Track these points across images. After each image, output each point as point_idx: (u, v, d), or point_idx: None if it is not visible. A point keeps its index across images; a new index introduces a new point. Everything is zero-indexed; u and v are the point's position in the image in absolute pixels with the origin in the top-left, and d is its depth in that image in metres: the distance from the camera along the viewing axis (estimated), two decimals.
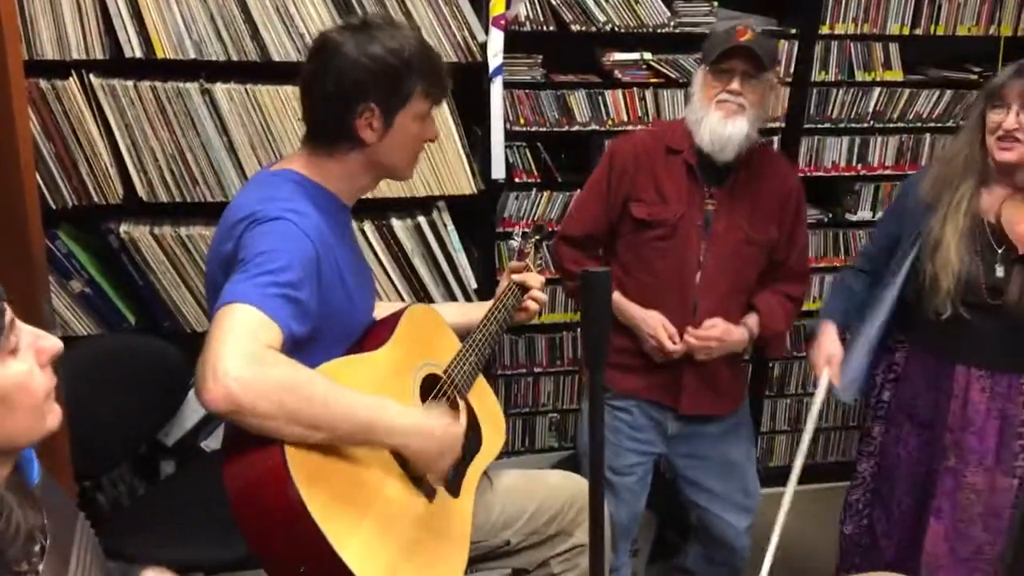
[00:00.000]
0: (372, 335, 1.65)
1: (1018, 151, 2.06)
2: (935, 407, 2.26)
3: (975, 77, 3.17)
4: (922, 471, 2.32)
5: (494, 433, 1.80)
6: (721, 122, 2.18)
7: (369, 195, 2.58)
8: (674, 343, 2.28)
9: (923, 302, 2.20)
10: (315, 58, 1.61)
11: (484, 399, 1.83)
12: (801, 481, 3.32)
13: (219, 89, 2.40)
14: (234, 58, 2.41)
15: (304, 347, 1.44)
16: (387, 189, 2.62)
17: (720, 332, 2.28)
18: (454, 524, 1.62)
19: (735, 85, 2.17)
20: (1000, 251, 2.13)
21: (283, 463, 1.31)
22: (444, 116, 2.60)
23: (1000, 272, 2.12)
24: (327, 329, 1.53)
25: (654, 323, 2.30)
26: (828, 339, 2.34)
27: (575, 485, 1.91)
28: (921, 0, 3.05)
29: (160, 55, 2.37)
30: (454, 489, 1.65)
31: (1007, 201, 2.13)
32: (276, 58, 2.43)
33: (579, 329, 2.90)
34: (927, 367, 2.27)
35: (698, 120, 2.22)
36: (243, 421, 1.30)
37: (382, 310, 1.82)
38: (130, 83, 2.36)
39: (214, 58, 2.39)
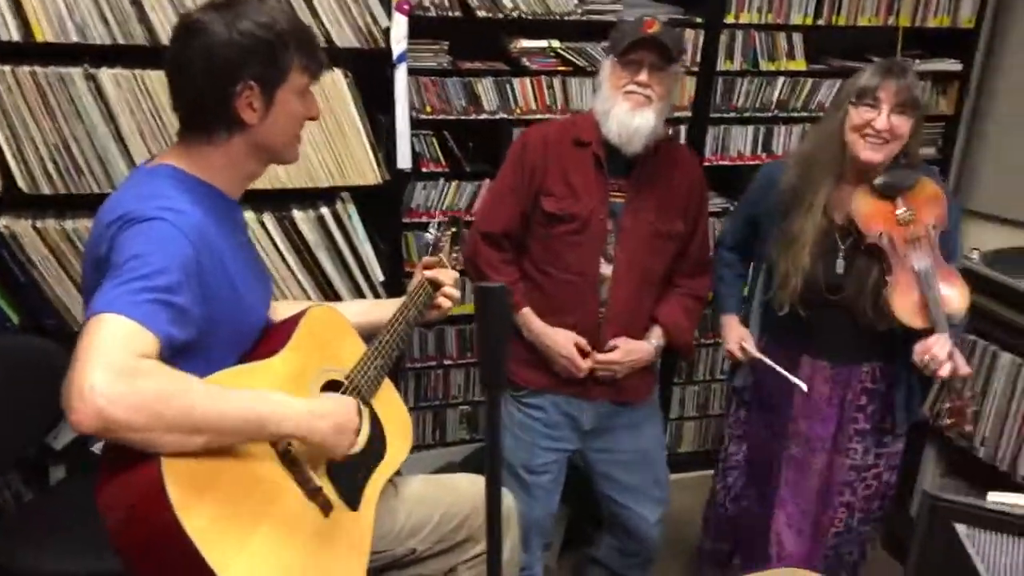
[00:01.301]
0: (267, 341, 1.57)
1: (884, 152, 2.09)
2: (781, 394, 2.32)
3: None
4: (765, 457, 2.41)
5: (400, 440, 1.73)
6: (629, 113, 2.16)
7: (268, 186, 2.53)
8: (585, 356, 2.31)
9: (775, 297, 2.25)
10: (180, 41, 1.52)
11: (390, 405, 1.76)
12: (689, 468, 3.47)
13: (105, 74, 2.27)
14: (120, 41, 2.27)
15: (191, 354, 1.36)
16: (287, 179, 2.53)
17: (621, 355, 2.31)
18: (353, 537, 1.55)
19: (643, 77, 2.15)
20: (843, 247, 2.17)
21: (160, 485, 1.24)
22: (346, 104, 2.52)
23: (840, 268, 2.18)
24: (215, 335, 1.44)
25: (564, 343, 2.30)
26: (734, 326, 2.39)
27: (482, 489, 1.85)
28: None
29: (39, 38, 2.22)
30: (353, 501, 1.58)
31: (858, 190, 2.15)
32: (165, 41, 2.29)
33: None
34: (777, 356, 2.31)
35: (606, 111, 2.20)
36: (120, 437, 1.22)
37: (285, 309, 1.74)
38: (7, 68, 2.20)
39: (98, 42, 2.25)
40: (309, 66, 1.58)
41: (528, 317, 2.35)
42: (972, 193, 3.51)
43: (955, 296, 2.09)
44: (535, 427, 2.41)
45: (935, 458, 3.05)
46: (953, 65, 3.34)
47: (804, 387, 2.23)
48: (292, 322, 1.60)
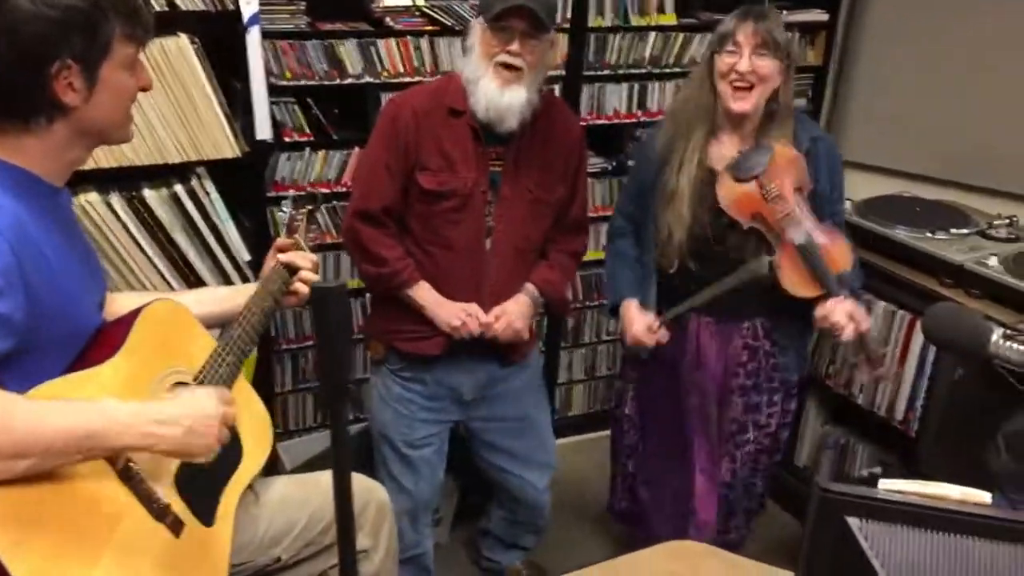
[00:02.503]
0: (99, 345, 1.40)
1: (752, 98, 2.09)
2: (677, 349, 2.34)
3: None
4: (672, 409, 2.44)
5: (257, 443, 1.58)
6: (498, 92, 2.06)
7: (115, 163, 2.33)
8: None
9: (660, 253, 2.26)
10: None
11: (245, 404, 1.60)
12: (581, 431, 3.44)
13: None
14: None
15: (12, 365, 1.20)
16: (135, 156, 2.34)
17: (504, 323, 2.24)
18: (209, 557, 1.42)
19: (514, 46, 2.05)
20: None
21: None
22: (195, 72, 2.34)
23: (726, 220, 2.18)
24: (37, 342, 1.28)
25: (456, 313, 2.22)
26: (637, 314, 2.31)
27: (352, 486, 1.75)
28: None
29: None
30: (207, 516, 1.45)
31: (722, 177, 2.15)
32: None
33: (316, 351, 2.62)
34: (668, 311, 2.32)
35: (475, 80, 2.10)
36: None
37: (126, 303, 1.57)
38: None
39: None
40: (134, 33, 1.41)
41: (425, 291, 2.24)
42: (842, 143, 3.54)
43: (837, 256, 2.12)
44: (415, 400, 2.34)
45: (816, 407, 3.10)
46: (820, 15, 3.35)
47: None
48: (126, 322, 1.43)
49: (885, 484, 0.88)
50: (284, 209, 1.93)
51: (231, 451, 1.48)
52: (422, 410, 2.35)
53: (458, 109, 2.16)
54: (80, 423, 1.20)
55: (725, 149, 2.19)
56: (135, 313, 1.44)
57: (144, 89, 1.48)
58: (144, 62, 1.49)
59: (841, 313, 2.06)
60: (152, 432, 1.27)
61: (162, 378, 1.43)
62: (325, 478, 1.79)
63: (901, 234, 2.74)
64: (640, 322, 2.28)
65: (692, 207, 2.17)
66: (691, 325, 2.32)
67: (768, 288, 2.15)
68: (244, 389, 1.59)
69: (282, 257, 1.74)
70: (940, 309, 1.52)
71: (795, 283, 2.10)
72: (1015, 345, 1.47)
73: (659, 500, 2.56)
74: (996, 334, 1.48)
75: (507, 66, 2.06)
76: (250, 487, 1.60)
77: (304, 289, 1.76)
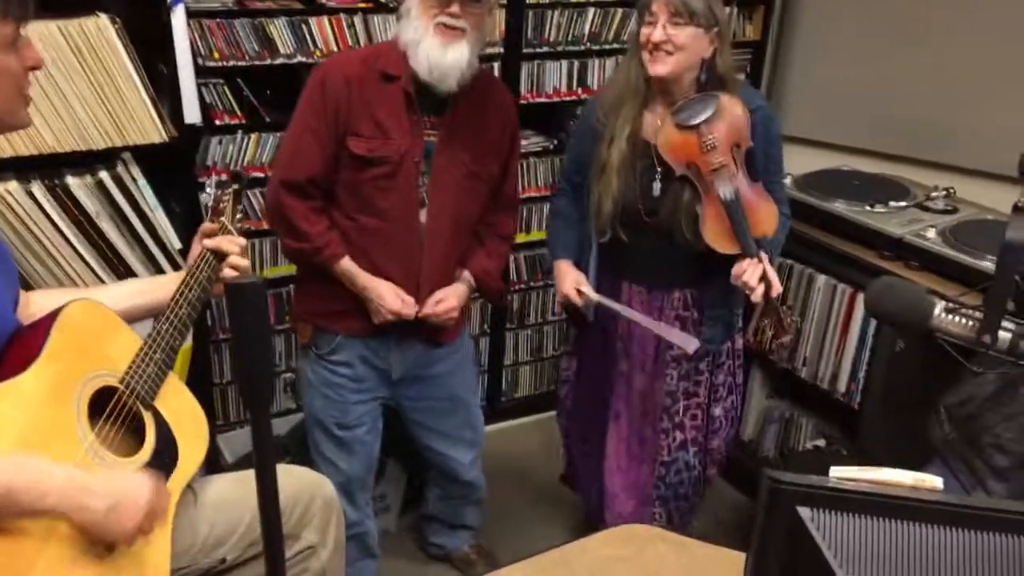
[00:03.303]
0: (15, 352, 1.32)
1: (669, 64, 2.08)
2: (609, 317, 2.36)
3: None
4: (601, 374, 2.47)
5: (193, 441, 1.51)
6: (440, 49, 2.01)
7: (35, 151, 2.22)
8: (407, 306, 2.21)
9: (594, 223, 2.28)
10: None
11: (178, 402, 1.52)
12: (528, 412, 3.48)
13: None
14: None
15: None
16: (55, 143, 2.24)
17: (445, 308, 2.24)
18: (146, 566, 1.35)
19: (455, 8, 2.00)
20: (660, 170, 2.18)
21: None
22: (117, 54, 2.24)
23: (656, 192, 2.20)
24: None
25: (389, 296, 2.18)
26: (568, 270, 2.35)
27: (297, 481, 1.69)
28: None
29: None
30: None
31: (665, 123, 2.16)
32: None
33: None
34: (604, 282, 2.35)
35: (415, 42, 2.03)
36: None
37: (48, 301, 1.49)
38: None
39: None
40: (8, 8, 1.31)
41: (350, 268, 2.19)
42: (782, 118, 3.56)
43: (762, 219, 2.15)
44: (343, 383, 2.31)
45: (760, 380, 3.12)
46: None
47: (691, 342, 2.22)
48: (43, 326, 1.34)
49: (836, 472, 0.86)
50: (208, 190, 1.84)
51: (166, 453, 1.42)
52: (352, 392, 2.32)
53: (392, 74, 2.10)
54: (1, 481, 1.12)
55: (657, 119, 2.19)
56: (52, 316, 1.35)
57: (34, 68, 1.39)
58: (31, 39, 1.38)
59: (754, 274, 2.07)
60: (77, 500, 1.21)
61: (86, 383, 1.35)
62: None
63: (840, 207, 2.75)
64: (569, 280, 2.30)
65: (623, 178, 2.19)
66: (623, 294, 2.33)
67: (697, 255, 2.19)
68: (175, 385, 1.51)
69: (208, 243, 1.65)
70: (881, 284, 1.51)
71: (715, 236, 2.12)
72: (957, 319, 1.47)
73: (587, 468, 2.62)
74: (938, 307, 1.48)
75: (449, 27, 2.01)
76: (189, 488, 1.54)
77: (234, 275, 1.67)
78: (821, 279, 2.74)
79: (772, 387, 3.12)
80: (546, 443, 2.88)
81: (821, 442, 2.78)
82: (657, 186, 2.19)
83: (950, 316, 1.49)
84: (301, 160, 2.14)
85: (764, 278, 2.08)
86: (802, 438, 3.00)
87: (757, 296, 2.09)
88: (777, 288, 2.10)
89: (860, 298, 2.64)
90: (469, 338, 2.55)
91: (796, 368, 2.86)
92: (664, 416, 2.40)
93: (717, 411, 2.43)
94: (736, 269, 2.11)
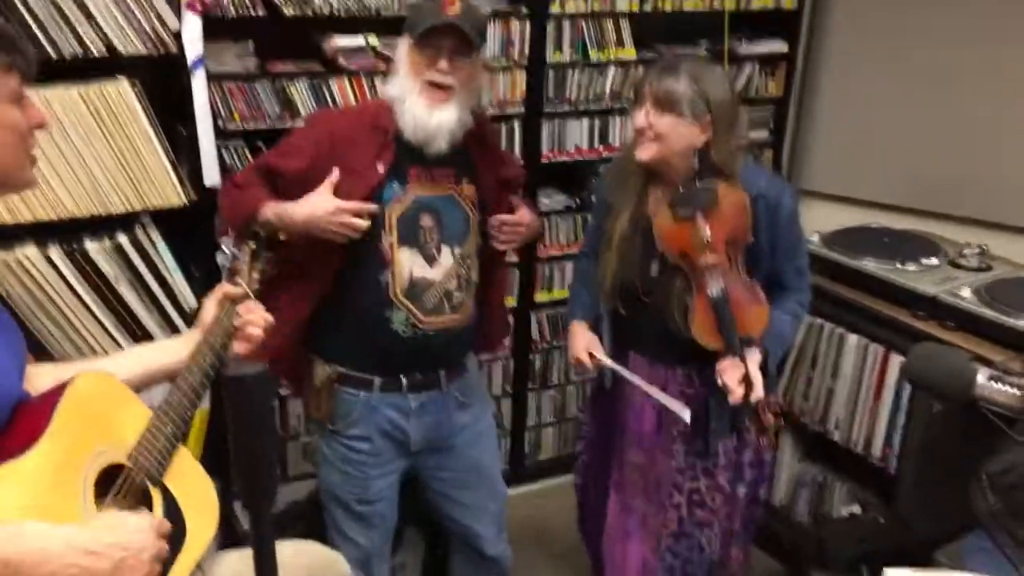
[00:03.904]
0: (20, 428, 1.27)
1: (651, 151, 2.04)
2: (613, 385, 2.32)
3: (703, 52, 3.18)
4: (607, 442, 2.41)
5: (203, 518, 1.43)
6: (426, 111, 1.97)
7: (54, 216, 2.22)
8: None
9: (599, 293, 2.25)
10: None
11: (188, 477, 1.46)
12: (552, 474, 3.39)
13: None
14: None
15: None
16: (75, 207, 2.24)
17: (528, 218, 2.22)
18: None
19: (442, 64, 1.96)
20: (659, 251, 2.13)
21: None
22: (136, 117, 2.25)
23: (654, 272, 2.15)
24: None
25: (323, 198, 1.99)
26: (580, 333, 2.30)
27: (311, 560, 1.62)
28: None
29: None
30: None
31: (663, 208, 2.10)
32: None
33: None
34: (614, 348, 2.29)
35: (401, 98, 2.00)
36: None
37: (56, 373, 1.44)
38: None
39: None
40: (14, 63, 1.30)
41: (276, 206, 1.99)
42: (807, 173, 3.53)
43: (750, 320, 2.08)
44: (362, 460, 2.21)
45: (792, 443, 3.02)
46: (780, 46, 3.33)
47: (684, 412, 2.13)
48: (50, 401, 1.30)
49: (890, 573, 0.79)
50: (225, 250, 1.78)
51: (173, 532, 1.36)
52: (372, 468, 2.23)
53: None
54: None
55: (661, 198, 2.14)
56: (60, 389, 1.31)
57: (39, 127, 1.37)
58: (33, 98, 1.37)
59: (734, 375, 2.01)
60: (78, 563, 1.15)
61: (94, 459, 1.30)
62: (283, 551, 1.66)
63: (870, 266, 2.69)
64: (581, 343, 2.26)
65: (622, 254, 2.15)
66: (629, 364, 2.27)
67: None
68: (185, 460, 1.46)
69: (237, 323, 1.61)
70: (921, 351, 1.46)
71: (701, 330, 2.06)
72: (1002, 387, 1.41)
73: (596, 529, 2.53)
74: (982, 375, 1.42)
75: (436, 85, 1.97)
76: (199, 567, 1.48)
77: (258, 333, 1.61)
78: (852, 339, 2.66)
79: (804, 450, 3.03)
80: (570, 507, 2.80)
81: (856, 508, 2.67)
82: (655, 267, 2.14)
83: (995, 384, 1.43)
84: (295, 154, 2.05)
85: (746, 380, 2.01)
86: (836, 503, 2.89)
87: (735, 398, 2.01)
88: (757, 393, 2.02)
89: (893, 359, 2.56)
90: (491, 405, 2.47)
91: (829, 431, 2.78)
92: (674, 491, 2.28)
93: (741, 490, 2.33)
94: (718, 366, 2.04)
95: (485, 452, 2.39)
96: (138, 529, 1.24)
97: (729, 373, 2.01)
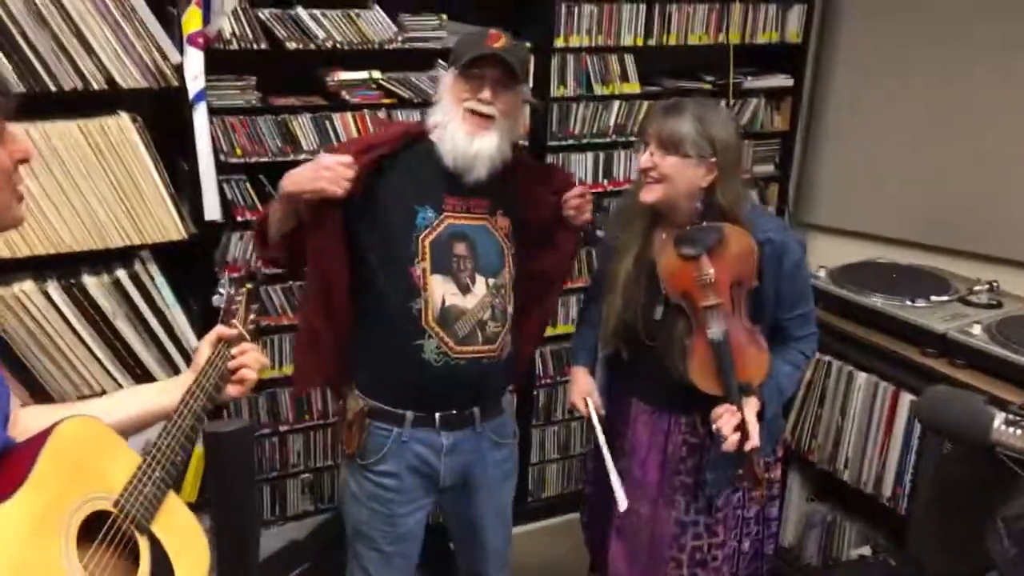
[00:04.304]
0: (1, 475, 1.22)
1: (657, 192, 2.02)
2: (616, 432, 2.26)
3: (708, 86, 3.17)
4: (607, 489, 2.30)
5: (192, 567, 1.40)
6: (467, 139, 1.95)
7: (52, 250, 2.19)
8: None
9: (601, 340, 2.22)
10: None
11: (176, 523, 1.40)
12: (556, 513, 3.33)
13: None
14: None
15: None
16: (73, 242, 2.21)
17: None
18: None
19: (486, 94, 1.95)
20: (663, 294, 2.09)
21: None
22: (137, 151, 2.24)
23: (658, 315, 2.11)
24: None
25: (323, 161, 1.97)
26: (581, 378, 2.28)
27: None
28: (652, 10, 2.99)
29: None
30: None
31: (667, 247, 2.08)
32: None
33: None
34: (614, 396, 2.26)
35: (443, 124, 1.98)
36: None
37: (43, 417, 1.40)
38: None
39: None
40: None
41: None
42: (813, 207, 3.50)
43: (750, 366, 2.03)
44: (390, 497, 2.15)
45: (800, 482, 2.97)
46: (785, 80, 3.32)
47: (621, 502, 2.14)
48: (33, 447, 1.25)
49: None
50: (220, 290, 1.76)
51: None
52: (400, 505, 2.17)
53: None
54: None
55: (666, 239, 2.11)
56: (44, 434, 1.26)
57: (23, 161, 1.31)
58: (15, 132, 1.31)
59: (729, 422, 1.96)
60: None
61: (78, 508, 1.26)
62: None
63: (879, 302, 2.65)
64: (580, 388, 2.24)
65: (626, 296, 2.11)
66: (631, 411, 2.23)
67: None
68: (175, 506, 1.41)
69: (232, 364, 1.57)
70: (934, 394, 1.42)
71: (698, 373, 2.02)
72: (1019, 431, 1.36)
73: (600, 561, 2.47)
74: (998, 419, 1.38)
75: (478, 113, 1.96)
76: None
77: (252, 376, 1.57)
78: (861, 377, 2.62)
79: (813, 489, 2.97)
80: (575, 546, 2.74)
81: (867, 550, 2.61)
82: (659, 309, 2.09)
83: (1011, 429, 1.39)
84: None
85: (741, 427, 1.96)
86: (846, 544, 2.84)
87: (730, 445, 1.96)
88: (753, 442, 1.97)
89: (903, 397, 2.52)
90: (515, 433, 2.40)
91: (838, 471, 2.72)
92: (674, 544, 2.22)
93: (745, 545, 2.26)
94: (713, 412, 1.99)
95: (510, 492, 2.35)
96: None
97: (724, 419, 1.96)
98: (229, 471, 0.59)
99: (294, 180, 1.96)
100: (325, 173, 1.92)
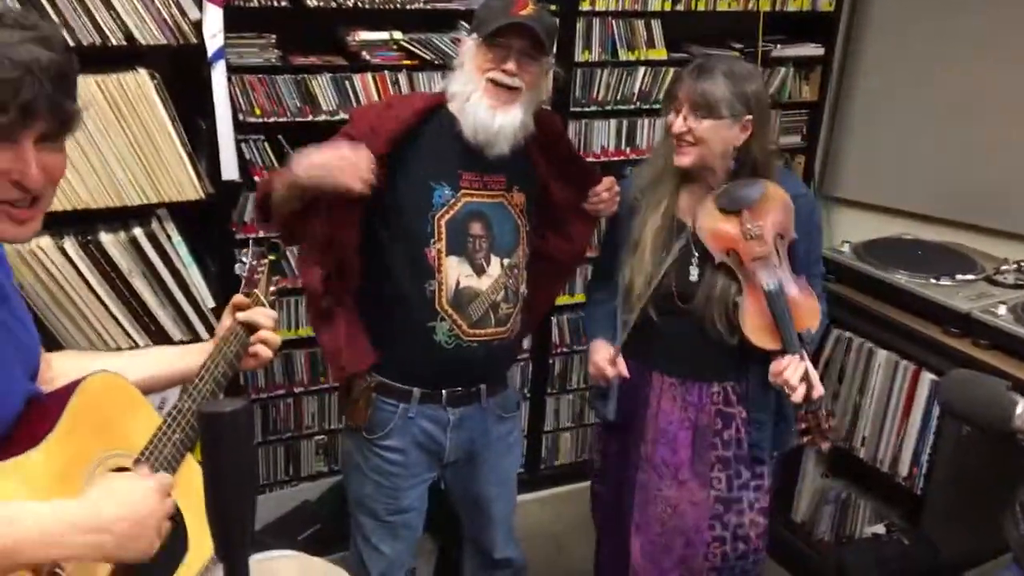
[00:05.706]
0: (27, 425, 1.22)
1: (691, 155, 1.99)
2: (632, 414, 2.21)
3: (736, 53, 3.10)
4: (621, 476, 2.29)
5: (205, 530, 1.38)
6: (489, 112, 1.88)
7: (69, 206, 2.18)
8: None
9: (624, 305, 2.14)
10: None
11: (193, 485, 1.32)
12: (568, 480, 3.30)
13: None
14: None
15: None
16: (90, 199, 2.20)
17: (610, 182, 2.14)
18: None
19: (510, 65, 1.88)
20: (697, 255, 2.05)
21: None
22: (155, 109, 2.21)
23: (694, 276, 2.06)
24: None
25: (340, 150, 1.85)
26: (600, 348, 2.17)
27: (316, 573, 1.58)
28: None
29: None
30: None
31: (700, 207, 2.04)
32: None
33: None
34: (631, 371, 2.13)
35: (464, 95, 1.91)
36: None
37: (71, 364, 1.40)
38: None
39: None
40: None
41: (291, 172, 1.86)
42: (839, 180, 3.44)
43: (806, 313, 2.01)
44: (395, 471, 2.15)
45: (815, 459, 2.95)
46: (815, 50, 3.24)
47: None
48: (60, 399, 1.25)
49: None
50: (243, 259, 1.75)
51: (175, 541, 1.31)
52: (405, 478, 2.17)
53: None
54: None
55: (695, 201, 2.07)
56: (70, 388, 1.26)
57: (15, 183, 1.11)
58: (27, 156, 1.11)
59: (796, 372, 1.93)
60: (82, 542, 1.10)
61: (100, 463, 1.26)
62: (283, 567, 1.61)
63: (902, 279, 2.61)
64: (603, 352, 2.14)
65: (656, 257, 2.06)
66: (652, 387, 2.17)
67: (732, 346, 2.04)
68: (191, 469, 1.41)
69: (240, 316, 1.56)
70: (956, 379, 1.39)
71: (755, 329, 1.98)
72: None
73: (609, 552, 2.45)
74: (1020, 406, 1.35)
75: (501, 85, 1.89)
76: None
77: (266, 352, 1.56)
78: (882, 354, 2.58)
79: (827, 465, 2.95)
80: (586, 514, 2.75)
81: (880, 528, 2.59)
82: (695, 271, 2.05)
83: None
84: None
85: (806, 378, 1.93)
86: (860, 521, 2.82)
87: (798, 397, 1.93)
88: (819, 390, 1.95)
89: (924, 376, 2.48)
90: (520, 406, 2.39)
91: (854, 447, 2.70)
92: (716, 524, 2.17)
93: (760, 518, 2.22)
94: (775, 366, 1.95)
95: (514, 463, 2.34)
96: (140, 494, 1.18)
97: (791, 371, 1.92)
98: (225, 452, 0.58)
99: (310, 172, 1.83)
100: (345, 165, 1.80)
